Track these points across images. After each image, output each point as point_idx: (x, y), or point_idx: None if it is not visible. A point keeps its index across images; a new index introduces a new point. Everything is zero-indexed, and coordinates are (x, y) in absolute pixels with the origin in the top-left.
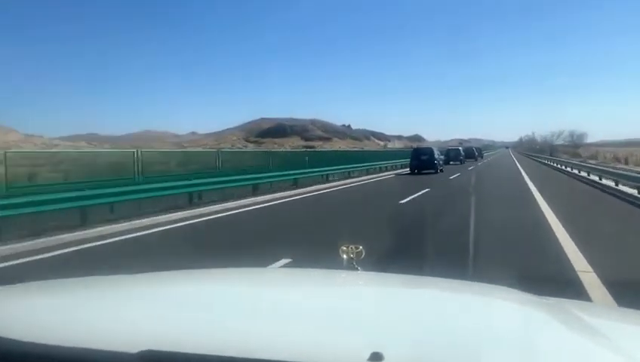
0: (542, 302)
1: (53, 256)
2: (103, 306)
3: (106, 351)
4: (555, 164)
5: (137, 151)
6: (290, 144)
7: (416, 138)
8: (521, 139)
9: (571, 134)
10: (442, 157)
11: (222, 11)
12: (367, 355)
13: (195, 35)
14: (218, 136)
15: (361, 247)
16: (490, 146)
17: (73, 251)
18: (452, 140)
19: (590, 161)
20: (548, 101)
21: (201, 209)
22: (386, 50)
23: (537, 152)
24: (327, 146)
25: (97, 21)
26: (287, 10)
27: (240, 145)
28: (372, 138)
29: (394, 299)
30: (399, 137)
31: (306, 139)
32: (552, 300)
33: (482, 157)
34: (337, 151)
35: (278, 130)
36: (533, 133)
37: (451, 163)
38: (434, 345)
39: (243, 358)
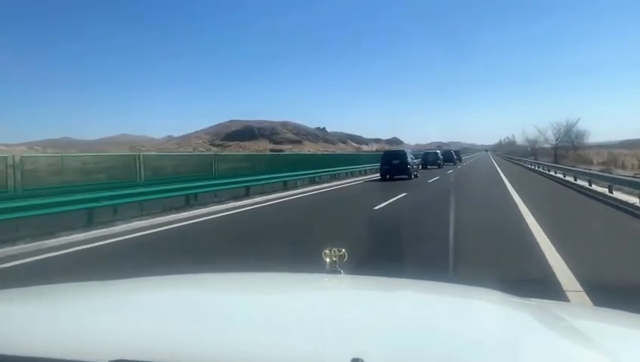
0: (524, 303)
1: None
2: (73, 314)
3: (71, 361)
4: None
5: None
6: (257, 147)
7: (395, 141)
8: (500, 142)
9: (568, 131)
10: (416, 161)
11: (206, 14)
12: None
13: (174, 36)
14: (186, 139)
15: (344, 250)
16: (470, 149)
17: None
18: (432, 143)
19: (619, 172)
20: (529, 103)
21: None
22: (364, 53)
23: (524, 156)
24: (296, 150)
25: (72, 24)
26: (267, 14)
27: (202, 149)
28: (349, 141)
29: (376, 302)
30: (377, 140)
31: (275, 142)
32: (534, 301)
33: (461, 160)
34: (281, 155)
35: (246, 132)
36: (513, 136)
37: (429, 167)
38: (415, 349)
39: None
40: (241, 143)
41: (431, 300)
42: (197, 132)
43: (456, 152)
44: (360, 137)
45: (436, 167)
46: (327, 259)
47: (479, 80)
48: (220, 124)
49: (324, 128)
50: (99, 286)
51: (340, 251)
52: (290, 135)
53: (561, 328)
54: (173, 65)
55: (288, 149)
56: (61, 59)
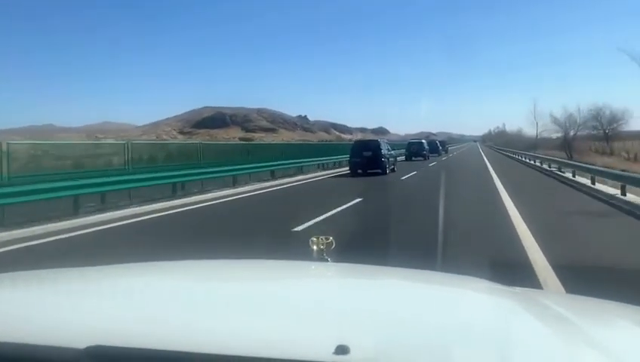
0: (510, 292)
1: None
2: (53, 300)
3: (50, 346)
4: None
5: None
6: (226, 135)
7: (381, 131)
8: (490, 132)
9: (598, 115)
10: (393, 153)
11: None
12: (333, 348)
13: (155, 21)
14: (154, 126)
15: (331, 238)
16: (459, 140)
17: None
18: (420, 134)
19: None
20: (520, 94)
21: None
22: (351, 40)
23: (528, 149)
24: (268, 138)
25: (51, 7)
26: None
27: (167, 137)
28: (332, 130)
29: (362, 290)
30: (362, 130)
31: (248, 130)
32: (519, 289)
33: (447, 151)
34: (227, 144)
35: (217, 119)
36: (503, 125)
37: (414, 159)
38: (402, 337)
39: (196, 353)
40: (211, 131)
41: (418, 288)
42: (168, 119)
43: (442, 143)
44: (345, 126)
45: (421, 158)
46: (315, 247)
47: (470, 70)
48: (193, 110)
49: (305, 116)
50: (80, 272)
51: (327, 239)
52: (264, 122)
53: (548, 317)
54: (160, 51)
55: (259, 138)
56: (49, 45)
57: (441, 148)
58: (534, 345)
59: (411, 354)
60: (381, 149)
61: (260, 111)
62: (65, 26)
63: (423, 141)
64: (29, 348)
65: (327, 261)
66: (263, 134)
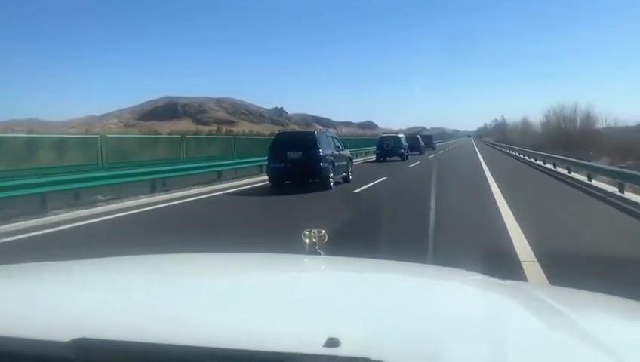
0: (502, 285)
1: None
2: (37, 293)
3: (33, 339)
4: None
5: None
6: (171, 128)
7: (368, 125)
8: (485, 126)
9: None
10: (346, 152)
11: None
12: (323, 341)
13: (137, 11)
14: (104, 118)
15: (323, 231)
16: (452, 135)
17: None
18: (412, 129)
19: None
20: (517, 89)
21: None
22: (339, 31)
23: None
24: (221, 131)
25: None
26: None
27: (98, 130)
28: (315, 124)
29: (354, 283)
30: (348, 124)
31: (200, 122)
32: (510, 282)
33: (434, 148)
34: None
35: (168, 110)
36: (502, 117)
37: (388, 159)
38: (393, 330)
39: (183, 346)
40: (159, 123)
41: (410, 281)
42: (122, 110)
43: (427, 138)
44: (329, 120)
45: (398, 158)
46: (307, 240)
47: (464, 64)
48: (150, 100)
49: (281, 108)
50: (64, 265)
51: (320, 232)
52: (221, 113)
53: (540, 309)
54: (147, 43)
55: (208, 132)
56: (36, 40)
57: (424, 144)
58: (527, 339)
59: (402, 347)
60: (319, 148)
61: (219, 101)
62: (49, 21)
63: (401, 136)
64: (12, 341)
65: (320, 254)
66: (215, 127)
